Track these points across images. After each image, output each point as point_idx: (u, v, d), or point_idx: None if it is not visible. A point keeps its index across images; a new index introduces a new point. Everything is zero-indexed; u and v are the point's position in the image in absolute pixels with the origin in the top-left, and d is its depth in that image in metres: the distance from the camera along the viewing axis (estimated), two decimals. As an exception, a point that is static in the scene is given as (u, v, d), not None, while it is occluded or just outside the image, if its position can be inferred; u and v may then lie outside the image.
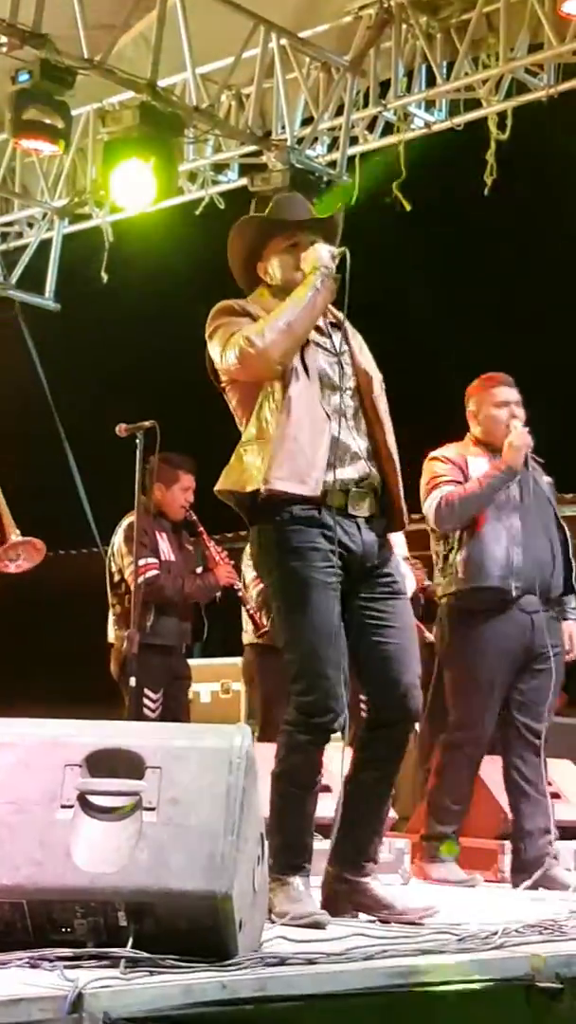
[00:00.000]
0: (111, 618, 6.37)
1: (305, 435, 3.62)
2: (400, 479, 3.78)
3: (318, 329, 3.77)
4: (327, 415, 3.67)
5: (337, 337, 3.81)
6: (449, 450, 5.19)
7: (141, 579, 5.95)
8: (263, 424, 3.68)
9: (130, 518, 6.29)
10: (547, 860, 4.82)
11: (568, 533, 5.21)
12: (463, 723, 5.07)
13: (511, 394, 5.17)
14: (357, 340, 3.86)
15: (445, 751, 5.12)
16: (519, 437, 5.01)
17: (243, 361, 3.64)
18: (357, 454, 3.71)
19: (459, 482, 5.04)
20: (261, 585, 6.75)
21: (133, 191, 7.50)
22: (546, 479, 5.25)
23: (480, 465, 5.08)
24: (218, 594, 6.55)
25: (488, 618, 4.99)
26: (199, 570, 6.50)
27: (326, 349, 3.78)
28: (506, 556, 4.97)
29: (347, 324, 3.81)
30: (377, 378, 3.81)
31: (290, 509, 3.61)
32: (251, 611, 6.67)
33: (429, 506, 5.07)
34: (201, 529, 6.55)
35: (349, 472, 3.68)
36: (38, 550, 6.19)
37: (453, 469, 5.10)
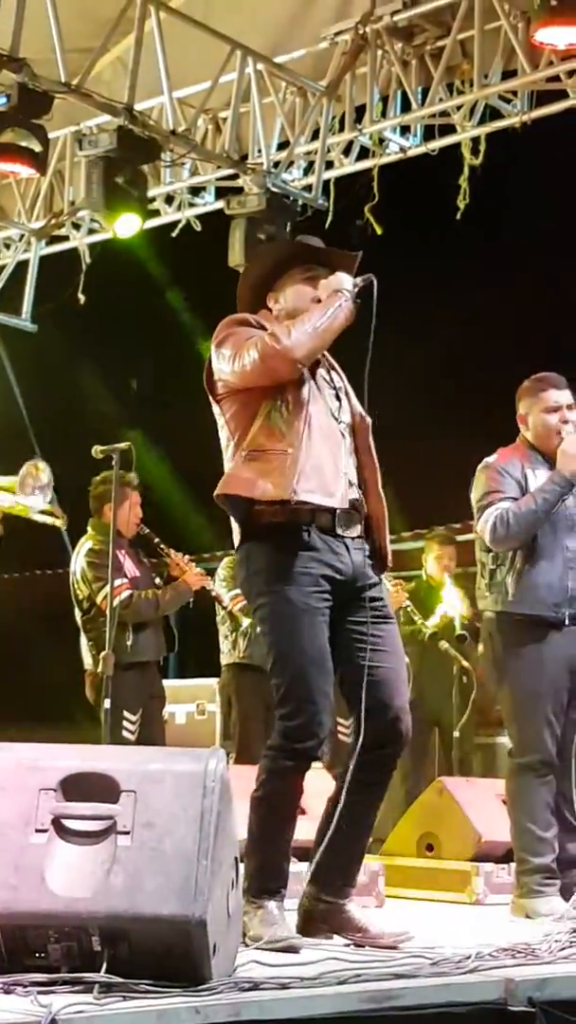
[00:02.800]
0: (85, 644, 6.35)
1: (327, 451, 3.65)
2: (387, 525, 3.78)
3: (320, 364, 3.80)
4: (342, 434, 3.72)
5: (335, 376, 3.85)
6: (504, 459, 4.76)
7: (116, 600, 5.96)
8: (276, 433, 3.64)
9: (89, 542, 6.33)
10: None
11: None
12: (527, 745, 4.68)
13: (563, 396, 4.77)
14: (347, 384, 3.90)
15: (515, 776, 4.72)
16: (573, 444, 4.65)
17: (265, 358, 3.60)
18: (352, 481, 3.73)
19: (514, 497, 4.65)
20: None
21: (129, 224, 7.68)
22: None
23: (540, 476, 4.70)
24: (190, 599, 6.54)
25: (542, 633, 4.65)
26: (157, 581, 6.52)
27: (329, 383, 3.81)
28: (560, 582, 4.64)
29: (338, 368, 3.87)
30: (367, 421, 3.82)
31: (309, 523, 3.61)
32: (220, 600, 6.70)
33: (484, 524, 4.67)
34: (157, 539, 6.57)
35: (351, 494, 3.71)
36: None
37: (509, 482, 4.70)
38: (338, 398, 3.79)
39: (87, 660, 6.32)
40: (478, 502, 4.74)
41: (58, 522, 6.01)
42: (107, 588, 5.93)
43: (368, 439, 3.80)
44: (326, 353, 3.84)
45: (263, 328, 3.72)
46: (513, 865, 5.02)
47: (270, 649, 3.63)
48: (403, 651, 3.80)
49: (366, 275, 3.78)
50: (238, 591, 6.82)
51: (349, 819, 3.66)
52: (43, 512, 5.87)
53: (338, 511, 3.66)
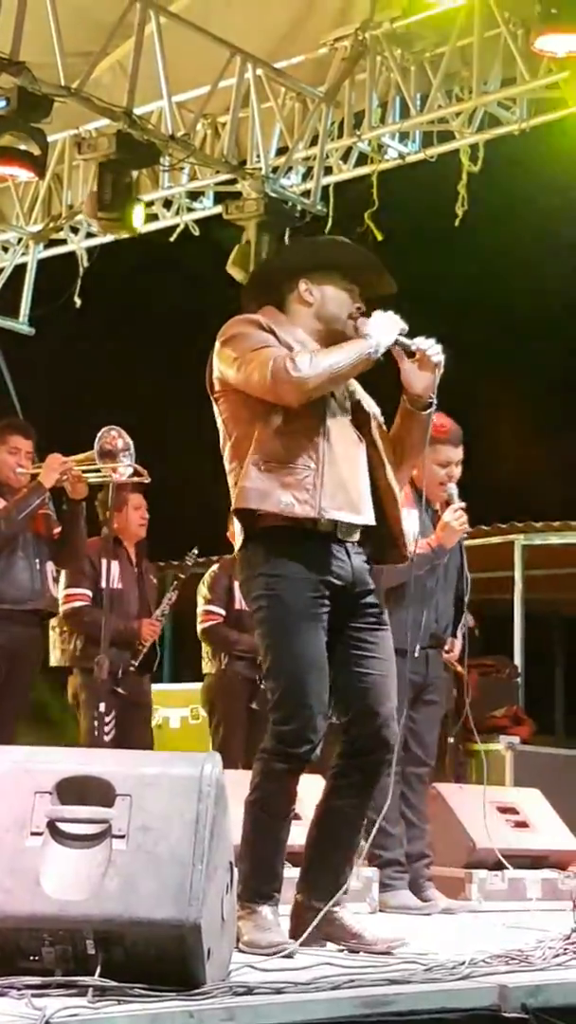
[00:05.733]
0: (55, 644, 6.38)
1: (348, 467, 3.62)
2: (401, 514, 3.76)
3: None
4: (358, 440, 3.68)
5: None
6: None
7: (67, 607, 6.13)
8: (293, 445, 3.58)
9: None
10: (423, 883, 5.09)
11: (468, 582, 5.23)
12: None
13: (455, 454, 5.12)
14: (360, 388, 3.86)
15: None
16: (458, 521, 4.96)
17: (278, 381, 3.53)
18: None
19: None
20: (211, 622, 6.80)
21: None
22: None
23: (412, 520, 4.83)
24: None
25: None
26: (163, 607, 6.50)
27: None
28: (413, 619, 4.86)
29: None
30: (376, 416, 3.79)
31: (313, 527, 3.58)
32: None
33: None
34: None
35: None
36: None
37: None
38: (350, 404, 3.75)
39: (53, 656, 6.35)
40: None
41: (145, 479, 6.04)
42: (66, 591, 6.12)
43: (373, 433, 3.75)
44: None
45: (272, 333, 3.65)
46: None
47: (266, 653, 3.63)
48: (395, 658, 3.79)
49: (415, 340, 3.71)
50: (208, 607, 6.83)
51: (337, 825, 3.66)
52: (131, 474, 5.90)
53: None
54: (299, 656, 3.56)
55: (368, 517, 3.65)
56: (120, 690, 6.18)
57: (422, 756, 5.18)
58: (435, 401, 3.79)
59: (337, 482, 3.59)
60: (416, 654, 4.90)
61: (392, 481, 3.74)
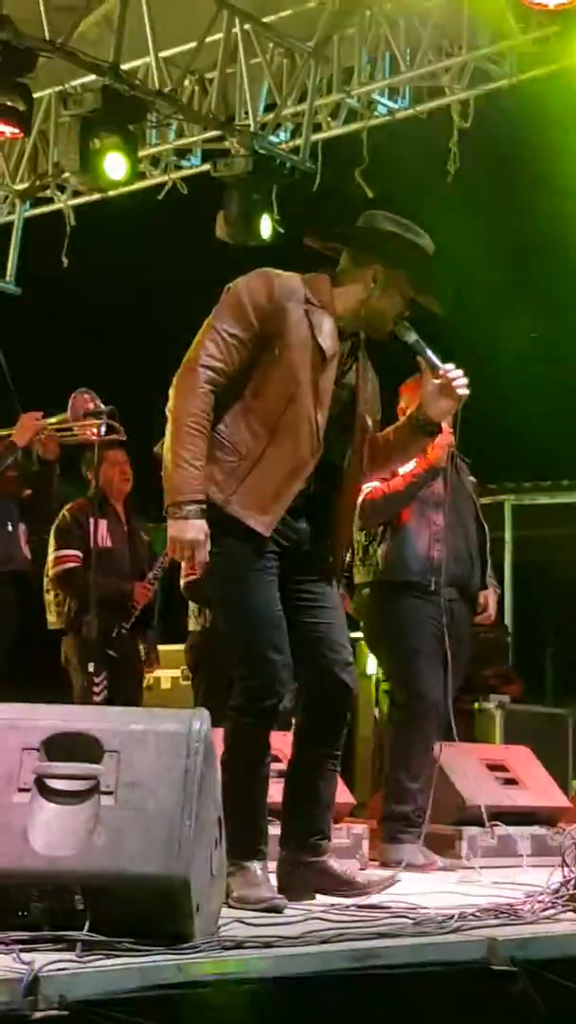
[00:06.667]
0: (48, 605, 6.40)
1: (286, 477, 3.54)
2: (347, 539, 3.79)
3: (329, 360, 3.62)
4: (309, 454, 3.57)
5: (351, 371, 3.72)
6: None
7: (57, 570, 6.16)
8: (238, 428, 3.55)
9: (66, 508, 6.35)
10: None
11: (488, 531, 5.35)
12: (406, 697, 5.10)
13: None
14: (371, 375, 3.81)
15: (395, 727, 5.16)
16: (443, 436, 4.85)
17: (182, 371, 3.54)
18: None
19: (384, 479, 4.99)
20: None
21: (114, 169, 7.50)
22: (470, 478, 5.38)
23: (411, 466, 5.05)
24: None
25: (412, 596, 5.07)
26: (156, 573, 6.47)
27: (340, 378, 3.68)
28: (427, 552, 5.05)
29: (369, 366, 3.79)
30: (369, 422, 3.75)
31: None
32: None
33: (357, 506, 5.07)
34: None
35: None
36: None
37: None
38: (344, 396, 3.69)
39: (49, 620, 6.37)
40: None
41: (120, 437, 6.06)
42: (55, 554, 6.16)
43: (363, 444, 3.74)
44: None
45: (310, 303, 3.57)
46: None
47: (221, 612, 3.64)
48: (343, 608, 3.81)
49: (445, 364, 3.70)
50: None
51: (310, 776, 3.68)
52: (106, 432, 5.91)
53: None
54: (255, 610, 3.55)
55: (267, 528, 3.53)
56: (111, 652, 6.17)
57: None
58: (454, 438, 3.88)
59: (262, 486, 3.53)
60: (432, 588, 4.99)
61: (353, 505, 3.75)
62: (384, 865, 4.87)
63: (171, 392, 3.56)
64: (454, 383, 3.69)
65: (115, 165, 7.47)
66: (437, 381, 3.71)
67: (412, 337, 3.75)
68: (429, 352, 3.75)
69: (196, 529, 3.46)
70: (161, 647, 8.47)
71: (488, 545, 5.35)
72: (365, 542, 5.20)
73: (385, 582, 5.13)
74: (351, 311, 3.67)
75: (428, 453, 4.99)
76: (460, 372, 3.73)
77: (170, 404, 3.55)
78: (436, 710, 5.01)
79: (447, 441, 4.99)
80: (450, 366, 3.73)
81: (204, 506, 3.48)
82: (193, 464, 3.47)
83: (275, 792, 3.70)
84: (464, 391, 3.70)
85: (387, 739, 5.26)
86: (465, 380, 3.71)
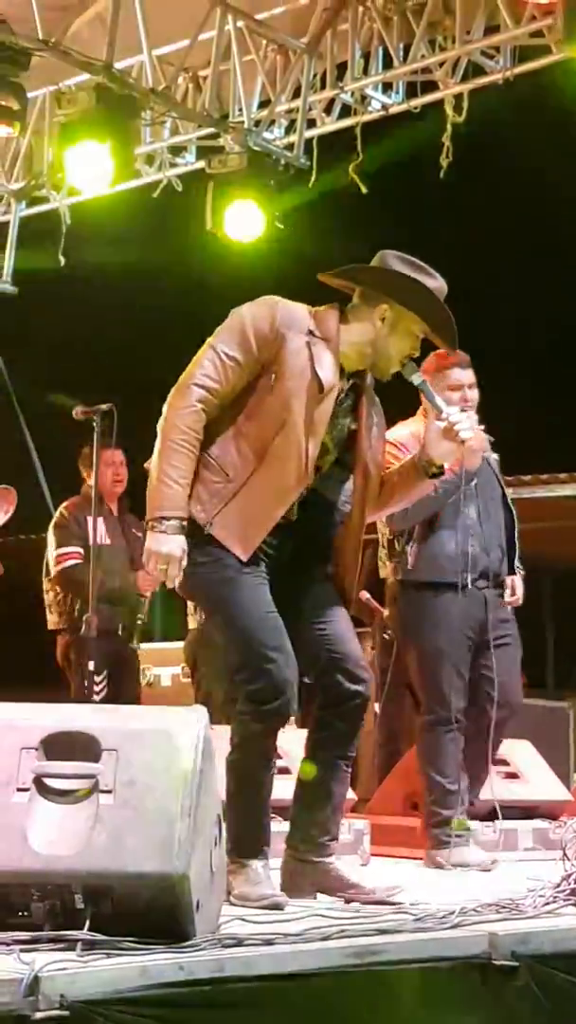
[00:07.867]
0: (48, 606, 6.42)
1: (269, 499, 3.54)
2: (358, 574, 3.74)
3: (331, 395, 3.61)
4: (295, 481, 3.55)
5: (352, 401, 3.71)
6: (405, 435, 4.92)
7: (60, 567, 6.20)
8: (226, 450, 3.55)
9: (63, 506, 6.39)
10: None
11: (515, 514, 5.26)
12: (434, 702, 4.99)
13: (465, 376, 5.07)
14: (377, 418, 3.79)
15: (424, 732, 5.04)
16: (477, 440, 4.76)
17: (176, 392, 3.55)
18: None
19: None
20: None
21: (90, 172, 7.41)
22: (493, 456, 5.25)
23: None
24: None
25: (443, 596, 4.97)
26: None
27: (340, 409, 3.67)
28: (459, 548, 4.95)
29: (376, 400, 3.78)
30: (373, 459, 3.73)
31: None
32: None
33: None
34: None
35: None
36: (8, 500, 5.99)
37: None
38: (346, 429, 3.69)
39: (50, 620, 6.38)
40: None
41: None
42: (57, 552, 6.21)
43: (367, 487, 3.72)
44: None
45: (313, 335, 3.58)
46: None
47: (215, 621, 3.63)
48: (344, 607, 3.77)
49: (448, 408, 3.73)
50: None
51: (321, 776, 3.66)
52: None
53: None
54: (249, 614, 3.53)
55: (246, 552, 3.52)
56: (110, 648, 6.19)
57: (499, 699, 4.99)
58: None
59: (245, 510, 3.52)
60: (466, 586, 4.91)
61: (357, 546, 3.70)
62: (438, 867, 4.84)
63: (164, 408, 3.58)
64: (456, 427, 3.69)
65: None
66: (441, 424, 3.71)
67: (419, 379, 3.78)
68: (434, 395, 3.79)
69: (173, 543, 3.46)
70: (161, 645, 8.50)
71: (516, 529, 5.22)
72: (390, 536, 5.08)
73: (416, 581, 5.03)
74: (356, 348, 3.67)
75: (465, 459, 4.76)
76: (464, 416, 3.74)
77: (161, 420, 3.57)
78: (455, 718, 4.92)
79: (481, 446, 4.91)
80: (454, 409, 3.77)
81: (184, 523, 3.49)
82: (178, 482, 3.49)
83: (280, 790, 3.69)
84: (466, 434, 3.69)
85: (417, 747, 5.12)
86: (467, 424, 3.70)
